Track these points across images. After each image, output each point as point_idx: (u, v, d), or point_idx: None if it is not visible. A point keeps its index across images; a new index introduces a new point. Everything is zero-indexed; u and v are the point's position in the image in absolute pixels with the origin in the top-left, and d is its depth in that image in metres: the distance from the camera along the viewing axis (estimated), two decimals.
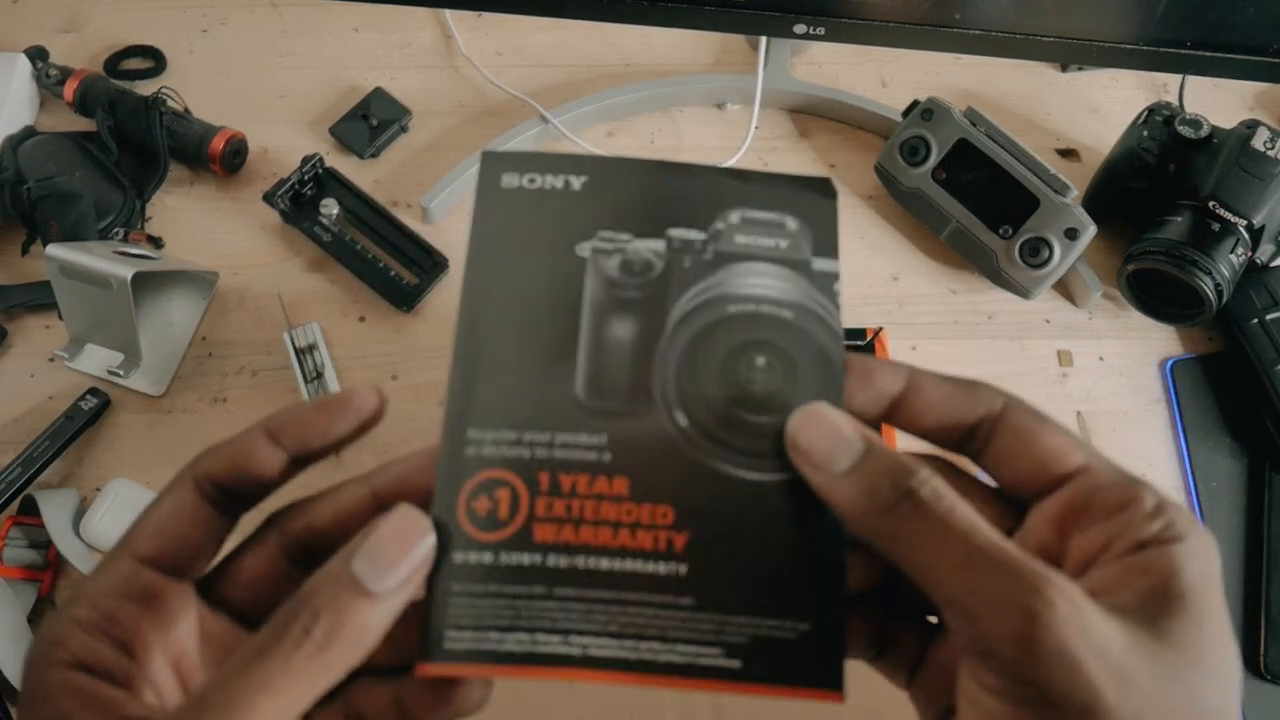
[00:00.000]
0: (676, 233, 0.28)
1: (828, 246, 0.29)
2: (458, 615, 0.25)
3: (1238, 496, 0.66)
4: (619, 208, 0.28)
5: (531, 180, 0.29)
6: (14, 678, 0.55)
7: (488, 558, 0.25)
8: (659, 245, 0.28)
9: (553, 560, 0.25)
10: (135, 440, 0.65)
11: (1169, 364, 0.70)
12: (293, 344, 0.66)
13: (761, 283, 0.28)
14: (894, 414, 0.26)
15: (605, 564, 0.25)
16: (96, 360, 0.66)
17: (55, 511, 0.60)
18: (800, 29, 0.62)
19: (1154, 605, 0.21)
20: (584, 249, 0.28)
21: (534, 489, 0.26)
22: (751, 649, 0.25)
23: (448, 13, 0.82)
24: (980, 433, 0.25)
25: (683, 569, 0.25)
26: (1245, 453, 0.68)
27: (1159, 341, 0.71)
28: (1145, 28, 0.60)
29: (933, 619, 0.28)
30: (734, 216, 0.28)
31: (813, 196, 0.29)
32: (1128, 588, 0.22)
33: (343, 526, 0.26)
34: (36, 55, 0.76)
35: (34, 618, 0.58)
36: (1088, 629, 0.20)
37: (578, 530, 0.26)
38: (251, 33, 0.81)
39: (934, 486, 0.22)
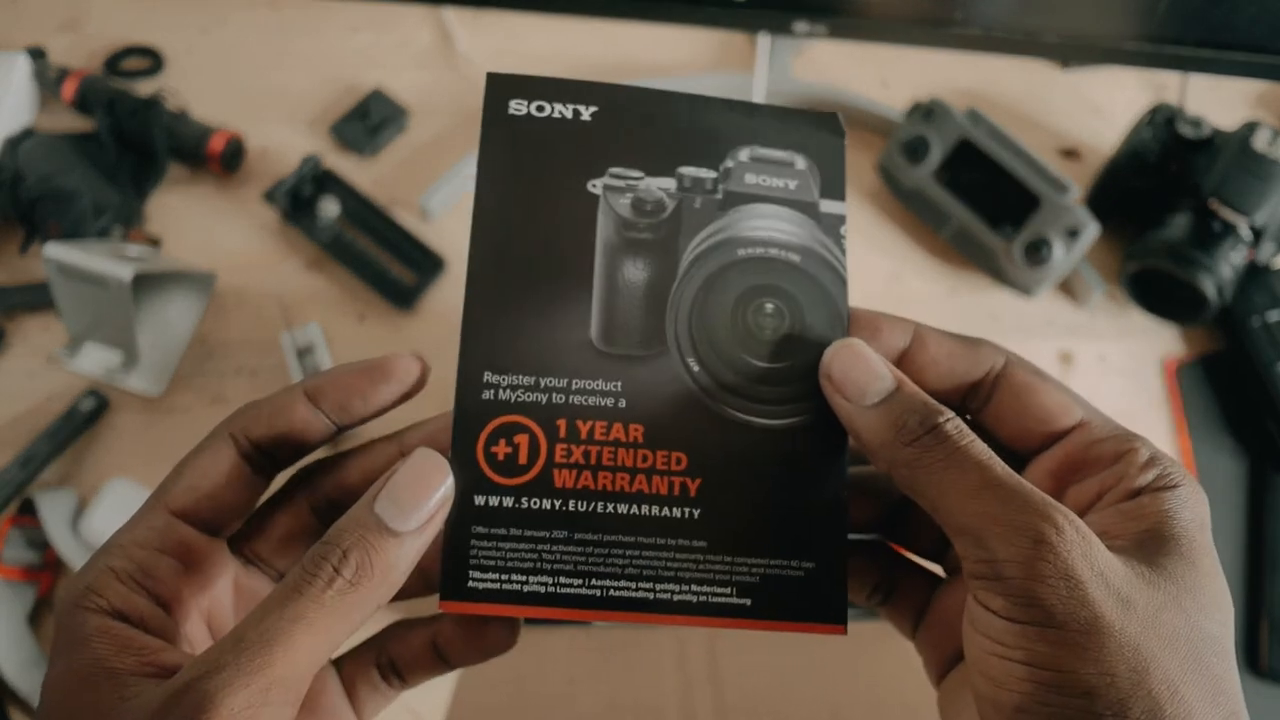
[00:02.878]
0: (687, 170, 0.28)
1: (835, 187, 0.29)
2: (481, 557, 0.26)
3: (1238, 496, 0.66)
4: (629, 142, 0.28)
5: (540, 109, 0.28)
6: (14, 678, 0.55)
7: (509, 501, 0.26)
8: (669, 183, 0.28)
9: (573, 505, 0.26)
10: (134, 440, 0.65)
11: (1171, 364, 0.70)
12: (291, 344, 0.66)
13: (770, 225, 0.28)
14: (911, 374, 0.26)
15: (623, 509, 0.26)
16: (95, 360, 0.66)
17: (54, 512, 0.60)
18: (801, 27, 0.62)
19: (1150, 545, 0.22)
20: (595, 186, 0.28)
21: (552, 435, 0.26)
22: (760, 588, 0.26)
23: (447, 12, 0.81)
24: (981, 390, 0.26)
25: (696, 513, 0.26)
26: (1246, 453, 0.67)
27: (1160, 341, 0.71)
28: (1147, 27, 0.60)
29: (936, 567, 0.29)
30: (744, 154, 0.28)
31: (822, 134, 0.29)
32: (1123, 531, 0.23)
33: (371, 483, 0.26)
34: (36, 55, 0.76)
35: (33, 618, 0.58)
36: (1092, 556, 0.21)
37: (596, 477, 0.26)
38: (251, 32, 0.81)
39: (958, 423, 0.24)
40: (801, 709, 0.41)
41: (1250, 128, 0.66)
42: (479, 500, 0.26)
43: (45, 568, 0.60)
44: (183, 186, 0.74)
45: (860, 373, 0.25)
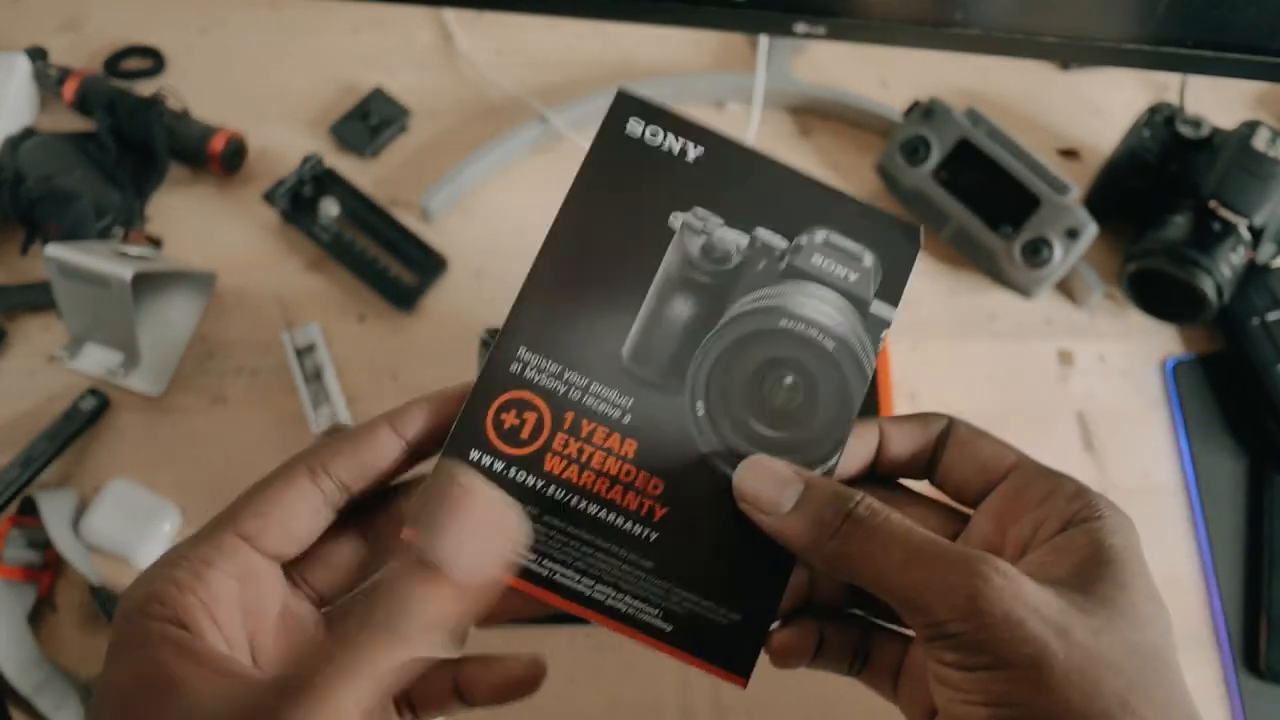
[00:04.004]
0: (762, 233, 0.30)
1: (893, 292, 0.30)
2: None
3: (1238, 496, 0.66)
4: (721, 190, 0.30)
5: (654, 134, 0.30)
6: (14, 677, 0.55)
7: (499, 466, 0.28)
8: (743, 240, 0.30)
9: (552, 491, 0.28)
10: (134, 440, 0.65)
11: (1170, 364, 0.70)
12: (291, 344, 0.66)
13: (819, 308, 0.29)
14: (879, 464, 0.29)
15: (593, 510, 0.28)
16: (96, 360, 0.66)
17: (54, 512, 0.60)
18: (800, 28, 0.62)
19: (1082, 573, 0.24)
20: (675, 220, 0.30)
21: (558, 423, 0.29)
22: (685, 620, 0.28)
23: (447, 12, 0.81)
24: (936, 452, 0.29)
25: (653, 536, 0.29)
26: (1245, 453, 0.67)
27: (1160, 341, 0.71)
28: (1146, 27, 0.60)
29: (904, 630, 0.30)
30: (819, 235, 0.30)
31: (899, 239, 0.30)
32: (1058, 563, 0.25)
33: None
34: (36, 55, 0.76)
35: (34, 618, 0.58)
36: (1024, 594, 0.23)
37: (580, 473, 0.28)
38: (251, 32, 0.81)
39: (869, 504, 0.25)
40: (799, 706, 0.41)
41: (1250, 127, 0.67)
42: (474, 455, 0.28)
43: (46, 568, 0.60)
44: (183, 187, 0.74)
45: (770, 483, 0.27)
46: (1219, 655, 0.61)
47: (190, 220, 0.73)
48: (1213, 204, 0.65)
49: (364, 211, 0.71)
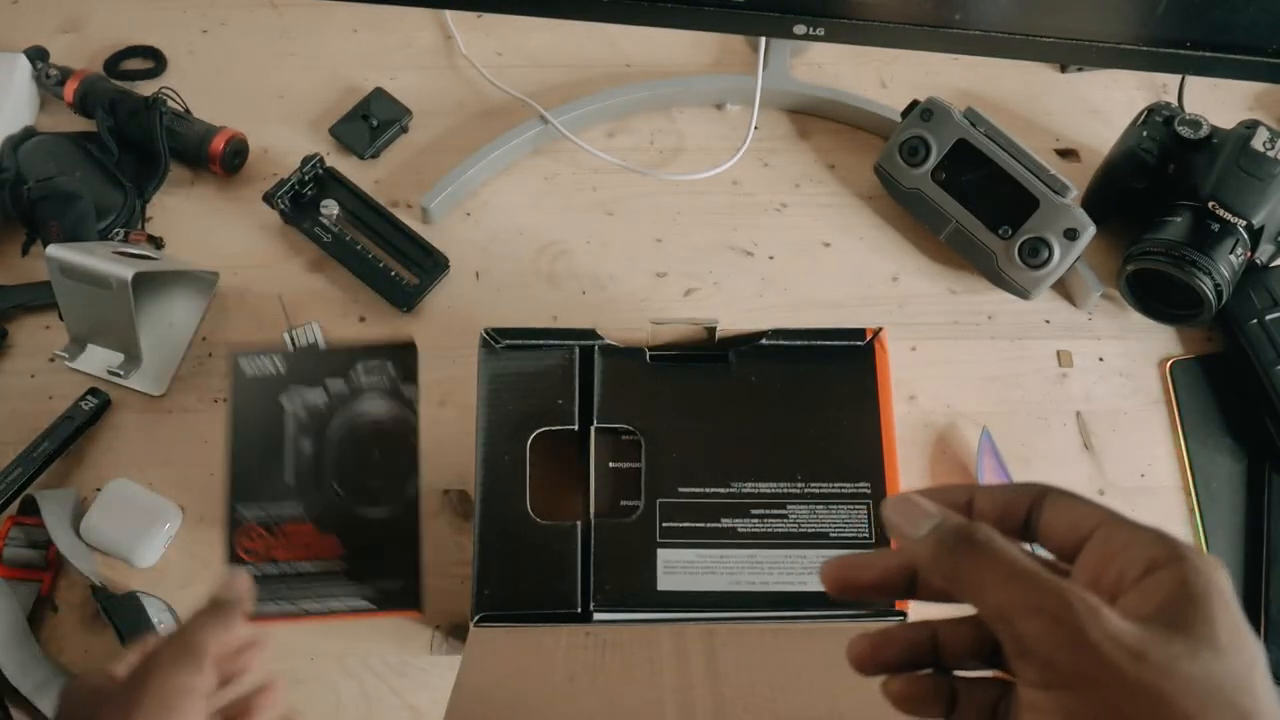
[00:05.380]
0: (330, 383, 0.54)
1: (411, 378, 0.55)
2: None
3: (1238, 496, 0.66)
4: (299, 373, 0.54)
5: (259, 367, 0.54)
6: (14, 677, 0.55)
7: (255, 571, 0.52)
8: (321, 394, 0.54)
9: (284, 569, 0.52)
10: (135, 440, 0.65)
11: (1169, 364, 0.70)
12: (292, 344, 0.66)
13: (374, 404, 0.55)
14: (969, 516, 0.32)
15: (307, 568, 0.53)
16: (97, 360, 0.66)
17: (55, 511, 0.60)
18: (800, 29, 0.62)
19: (1166, 610, 0.26)
20: (286, 401, 0.54)
21: (271, 534, 0.53)
22: (376, 595, 0.53)
23: (448, 13, 0.82)
24: (1031, 517, 0.32)
25: (343, 566, 0.53)
26: (1245, 453, 0.68)
27: (1159, 342, 0.72)
28: (1145, 28, 0.60)
29: (989, 674, 0.33)
30: (360, 368, 0.54)
31: (402, 352, 0.55)
32: (1144, 603, 0.27)
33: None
34: (36, 55, 0.76)
35: (34, 618, 0.59)
36: (1102, 621, 0.25)
37: (293, 550, 0.53)
38: (251, 33, 0.81)
39: (986, 532, 0.29)
40: (799, 705, 0.41)
41: (1249, 127, 0.67)
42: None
43: (46, 567, 0.60)
44: (184, 188, 0.74)
45: (910, 514, 0.31)
46: None
47: (191, 221, 0.73)
48: (1211, 204, 0.66)
49: (364, 212, 0.71)
